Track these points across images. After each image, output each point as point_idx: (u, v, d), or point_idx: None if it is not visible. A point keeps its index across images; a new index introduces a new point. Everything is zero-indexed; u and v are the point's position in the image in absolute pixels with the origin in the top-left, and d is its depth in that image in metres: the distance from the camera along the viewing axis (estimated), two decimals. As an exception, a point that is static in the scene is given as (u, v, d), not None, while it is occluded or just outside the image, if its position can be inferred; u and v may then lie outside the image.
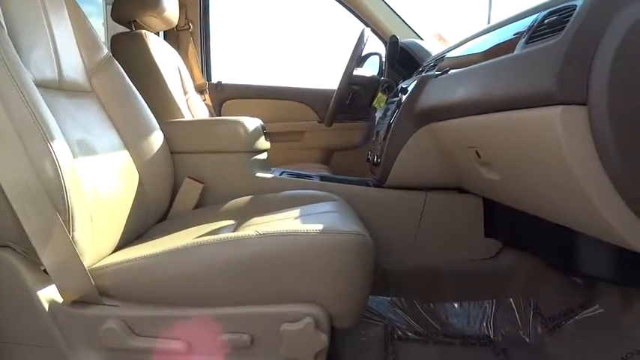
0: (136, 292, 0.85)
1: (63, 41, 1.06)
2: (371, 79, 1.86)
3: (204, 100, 2.25)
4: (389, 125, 1.35)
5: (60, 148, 0.82)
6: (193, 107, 2.00)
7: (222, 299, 0.83)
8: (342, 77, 1.74)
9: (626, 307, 1.03)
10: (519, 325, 1.23)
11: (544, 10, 0.77)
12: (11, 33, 0.89)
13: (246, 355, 0.84)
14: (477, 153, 0.98)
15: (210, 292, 0.82)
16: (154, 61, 1.68)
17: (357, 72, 1.76)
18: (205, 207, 1.32)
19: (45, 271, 0.83)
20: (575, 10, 0.65)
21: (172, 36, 2.24)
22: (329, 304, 0.82)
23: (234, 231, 1.01)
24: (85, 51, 1.14)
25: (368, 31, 1.75)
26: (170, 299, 0.84)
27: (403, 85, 1.48)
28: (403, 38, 1.90)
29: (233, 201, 1.26)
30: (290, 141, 2.27)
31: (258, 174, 1.37)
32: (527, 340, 1.19)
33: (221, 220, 1.13)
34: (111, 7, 1.75)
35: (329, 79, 2.52)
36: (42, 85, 0.93)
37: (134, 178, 1.13)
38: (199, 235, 0.96)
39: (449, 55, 1.27)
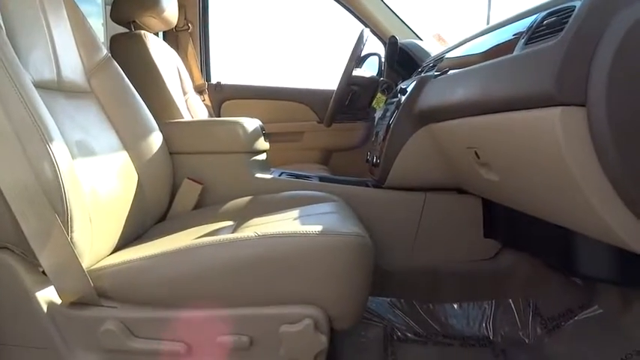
0: (135, 293, 0.84)
1: (62, 42, 1.06)
2: (370, 80, 1.86)
3: (203, 100, 2.25)
4: (388, 126, 1.35)
5: (59, 149, 0.82)
6: (192, 108, 2.00)
7: (221, 300, 0.82)
8: (342, 78, 1.74)
9: (626, 308, 1.03)
10: (519, 326, 1.23)
11: (543, 10, 0.76)
12: (10, 33, 0.89)
13: (246, 357, 0.83)
14: (476, 154, 0.98)
15: (209, 293, 0.82)
16: (153, 61, 1.68)
17: (357, 72, 1.76)
18: (204, 208, 1.32)
19: (43, 272, 0.83)
20: (574, 11, 0.65)
21: (171, 36, 2.24)
22: (328, 305, 0.82)
23: (233, 232, 1.01)
24: (84, 51, 1.14)
25: (367, 31, 1.76)
26: (169, 300, 0.83)
27: (402, 85, 1.48)
28: (402, 39, 1.90)
29: (232, 202, 1.26)
30: (289, 141, 2.27)
31: (258, 175, 1.37)
32: (527, 341, 1.19)
33: (220, 221, 1.12)
34: (110, 7, 1.75)
35: (328, 80, 2.52)
36: (41, 85, 0.93)
37: (133, 178, 1.13)
38: (198, 236, 0.95)
39: (448, 55, 1.27)
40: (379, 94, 2.00)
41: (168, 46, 1.97)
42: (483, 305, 1.31)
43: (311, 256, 0.81)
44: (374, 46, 2.10)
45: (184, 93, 1.97)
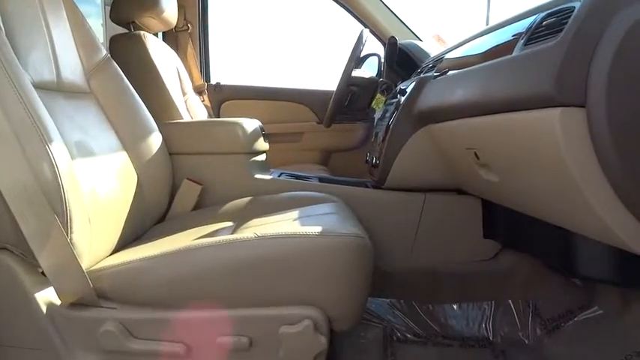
0: (134, 294, 0.84)
1: (61, 42, 1.06)
2: (370, 80, 1.86)
3: (202, 101, 2.25)
4: (388, 126, 1.35)
5: (58, 149, 0.82)
6: (192, 108, 2.00)
7: (221, 301, 0.82)
8: (341, 78, 1.74)
9: (625, 309, 1.03)
10: (518, 327, 1.23)
11: (542, 11, 0.76)
12: (9, 34, 0.89)
13: (245, 358, 0.83)
14: (475, 154, 0.98)
15: (209, 294, 0.82)
16: (152, 62, 1.68)
17: (356, 73, 1.76)
18: (204, 208, 1.32)
19: (43, 273, 0.83)
20: (573, 11, 0.65)
21: (171, 37, 2.24)
22: (328, 306, 0.82)
23: (232, 233, 1.01)
24: (83, 52, 1.14)
25: (367, 32, 1.75)
26: (168, 301, 0.83)
27: (402, 86, 1.48)
28: (402, 39, 1.90)
29: (232, 202, 1.26)
30: (289, 142, 2.27)
31: (257, 175, 1.37)
32: (527, 342, 1.19)
33: (220, 221, 1.12)
34: (109, 8, 1.75)
35: (328, 80, 2.52)
36: (40, 86, 0.93)
37: (132, 179, 1.12)
38: (198, 236, 0.95)
39: (447, 56, 1.27)
40: (379, 95, 2.00)
41: (168, 47, 1.97)
42: (483, 306, 1.31)
43: (310, 257, 0.81)
44: (373, 46, 2.10)
45: (184, 93, 1.97)
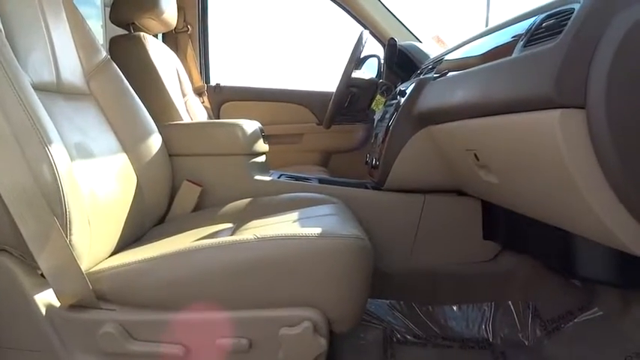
0: (134, 295, 0.84)
1: (61, 43, 1.06)
2: (369, 82, 1.86)
3: (202, 102, 2.25)
4: (387, 128, 1.35)
5: (57, 151, 0.82)
6: (192, 110, 2.00)
7: (220, 303, 0.82)
8: (341, 79, 1.74)
9: (625, 310, 1.03)
10: (518, 328, 1.23)
11: (542, 13, 0.77)
12: (8, 35, 0.89)
13: None
14: (475, 156, 0.98)
15: (208, 296, 0.82)
16: (152, 63, 1.68)
17: (356, 74, 1.76)
18: (203, 210, 1.32)
19: (42, 275, 0.83)
20: (572, 13, 0.65)
21: (171, 38, 2.24)
22: (328, 308, 0.82)
23: (232, 234, 1.01)
24: (83, 53, 1.14)
25: (366, 33, 1.76)
26: (168, 303, 0.83)
27: (401, 87, 1.48)
28: (401, 41, 1.90)
29: (231, 204, 1.26)
30: (288, 143, 2.27)
31: (257, 177, 1.37)
32: (526, 343, 1.19)
33: (219, 223, 1.12)
34: (109, 9, 1.75)
35: (327, 82, 2.52)
36: (40, 88, 0.93)
37: (132, 181, 1.12)
38: (197, 238, 0.95)
39: (447, 57, 1.27)
40: (378, 96, 2.00)
41: (168, 48, 1.97)
42: (483, 307, 1.30)
43: (310, 259, 0.81)
44: (373, 48, 2.11)
45: (183, 95, 1.97)
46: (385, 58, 1.88)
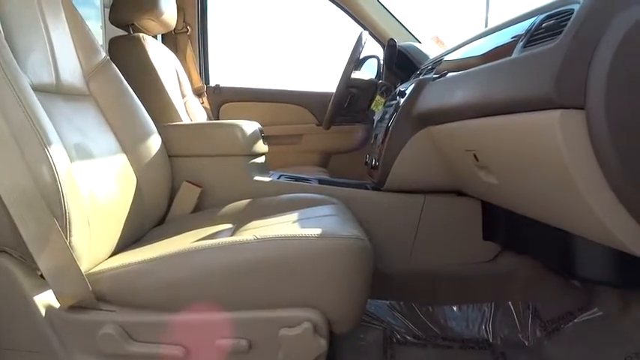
0: (134, 297, 0.84)
1: (60, 44, 1.06)
2: (369, 82, 1.86)
3: (202, 103, 2.25)
4: (387, 128, 1.35)
5: (57, 152, 0.82)
6: (191, 110, 2.00)
7: (220, 304, 0.82)
8: (340, 80, 1.74)
9: (625, 310, 1.03)
10: (518, 329, 1.22)
11: (542, 13, 0.77)
12: (7, 36, 0.89)
13: (244, 360, 0.83)
14: (475, 156, 0.98)
15: (208, 296, 0.82)
16: (151, 64, 1.68)
17: (355, 75, 1.76)
18: (203, 211, 1.32)
19: (42, 276, 0.83)
20: (572, 14, 0.65)
21: (170, 39, 2.24)
22: (328, 308, 0.82)
23: (232, 235, 1.01)
24: (82, 54, 1.14)
25: (366, 34, 1.76)
26: (168, 304, 0.83)
27: (401, 88, 1.48)
28: (401, 41, 1.90)
29: (231, 205, 1.26)
30: (288, 144, 2.27)
31: (257, 177, 1.37)
32: (526, 344, 1.19)
33: (219, 224, 1.12)
34: (109, 10, 1.75)
35: (327, 82, 2.52)
36: (39, 89, 0.93)
37: (132, 182, 1.12)
38: (197, 239, 0.95)
39: (447, 58, 1.27)
40: (378, 97, 2.00)
41: (167, 49, 1.97)
42: (483, 308, 1.30)
43: (310, 260, 0.81)
44: (373, 48, 2.10)
45: (183, 96, 1.97)
46: (385, 59, 1.88)
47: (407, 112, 1.28)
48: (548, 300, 1.21)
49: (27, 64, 0.93)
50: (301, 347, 0.80)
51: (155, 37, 1.92)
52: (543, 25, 0.73)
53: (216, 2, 2.44)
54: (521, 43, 0.77)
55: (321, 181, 1.45)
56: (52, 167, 0.79)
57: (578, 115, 0.63)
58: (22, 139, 0.79)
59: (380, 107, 2.01)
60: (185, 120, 1.79)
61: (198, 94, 2.24)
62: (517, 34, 0.81)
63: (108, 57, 1.20)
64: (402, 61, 1.83)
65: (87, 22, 1.17)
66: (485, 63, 0.88)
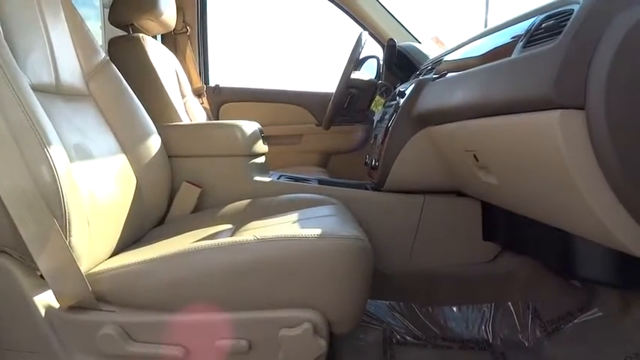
0: (133, 297, 0.84)
1: (60, 44, 1.06)
2: (369, 83, 1.86)
3: (201, 103, 2.25)
4: (387, 128, 1.35)
5: (57, 153, 0.82)
6: (191, 111, 2.00)
7: (220, 304, 0.82)
8: (340, 80, 1.74)
9: (625, 311, 1.03)
10: (518, 329, 1.22)
11: (541, 14, 0.77)
12: (7, 35, 0.89)
13: (244, 361, 0.83)
14: (474, 157, 0.98)
15: (208, 297, 0.82)
16: (151, 64, 1.68)
17: (355, 75, 1.76)
18: (203, 211, 1.32)
19: (41, 276, 0.82)
20: (572, 14, 0.65)
21: (170, 39, 2.24)
22: (328, 309, 0.82)
23: (232, 235, 1.01)
24: (82, 54, 1.14)
25: (365, 34, 1.76)
26: (167, 304, 0.83)
27: (401, 88, 1.48)
28: (400, 41, 1.90)
29: (231, 205, 1.26)
30: (288, 144, 2.27)
31: (256, 178, 1.37)
32: (526, 344, 1.19)
33: (219, 224, 1.12)
34: (108, 10, 1.75)
35: (327, 83, 2.52)
36: (38, 89, 0.93)
37: (131, 182, 1.12)
38: (197, 239, 0.95)
39: (446, 58, 1.27)
40: (378, 97, 2.00)
41: (167, 49, 1.97)
42: (483, 308, 1.30)
43: (310, 260, 0.81)
44: (372, 48, 2.10)
45: (183, 96, 1.97)
46: (384, 59, 1.88)
47: (407, 112, 1.28)
48: (548, 300, 1.21)
49: (26, 64, 0.93)
50: (301, 348, 0.80)
51: (155, 37, 1.92)
52: (543, 25, 0.73)
53: (216, 2, 2.44)
54: (521, 43, 0.77)
55: (320, 182, 1.45)
56: (51, 167, 0.79)
57: (578, 116, 0.63)
58: (22, 139, 0.79)
59: (380, 107, 2.01)
60: (185, 120, 1.79)
61: (197, 94, 2.24)
62: (517, 34, 0.81)
63: (107, 57, 1.20)
64: (401, 62, 1.83)
65: (86, 23, 1.17)
66: (484, 63, 0.88)
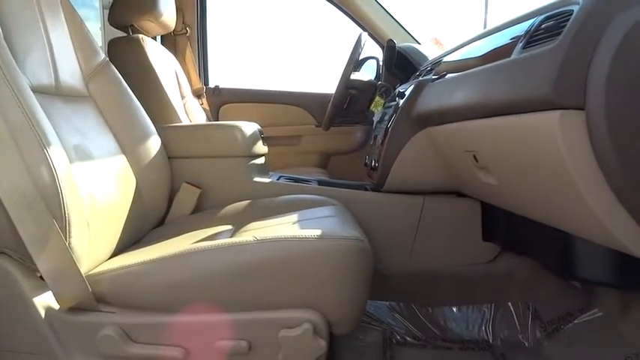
0: (133, 298, 0.84)
1: (59, 45, 1.06)
2: (368, 84, 1.86)
3: (201, 104, 2.25)
4: (386, 129, 1.35)
5: (56, 154, 0.82)
6: (191, 112, 2.00)
7: (220, 305, 0.82)
8: (340, 81, 1.74)
9: (625, 311, 1.03)
10: (518, 329, 1.22)
11: (541, 14, 0.77)
12: (6, 37, 0.89)
13: (244, 362, 0.83)
14: (474, 157, 0.98)
15: (208, 298, 0.82)
16: (151, 65, 1.68)
17: (355, 76, 1.76)
18: (203, 212, 1.32)
19: (41, 277, 0.82)
20: (572, 14, 0.65)
21: (169, 40, 2.24)
22: (327, 310, 0.82)
23: (231, 236, 1.01)
24: (81, 55, 1.14)
25: (365, 35, 1.76)
26: (167, 305, 0.83)
27: (400, 89, 1.48)
28: (400, 42, 1.90)
29: (230, 206, 1.26)
30: (288, 145, 2.27)
31: (256, 178, 1.37)
32: (526, 344, 1.19)
33: (218, 225, 1.12)
34: (108, 11, 1.75)
35: (326, 83, 2.52)
36: (38, 90, 0.93)
37: (131, 183, 1.12)
38: (197, 240, 0.95)
39: (446, 59, 1.27)
40: (377, 98, 2.00)
41: (166, 50, 1.97)
42: (482, 309, 1.30)
43: (310, 261, 0.81)
44: (372, 49, 2.11)
45: (182, 97, 1.97)
46: (384, 60, 1.88)
47: (406, 113, 1.28)
48: (548, 301, 1.21)
49: (26, 66, 0.93)
50: (301, 348, 0.80)
51: (154, 38, 1.92)
52: (543, 26, 0.73)
53: (216, 3, 2.44)
54: (521, 44, 0.77)
55: (320, 182, 1.45)
56: (51, 168, 0.79)
57: (577, 116, 0.63)
58: (22, 140, 0.79)
59: (379, 108, 2.02)
60: (184, 121, 1.79)
61: (197, 95, 2.24)
62: (516, 35, 0.81)
63: (107, 58, 1.20)
64: (401, 62, 1.83)
65: (86, 24, 1.17)
66: (484, 64, 0.88)
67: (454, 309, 1.32)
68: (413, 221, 1.31)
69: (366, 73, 1.94)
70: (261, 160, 1.46)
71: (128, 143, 1.16)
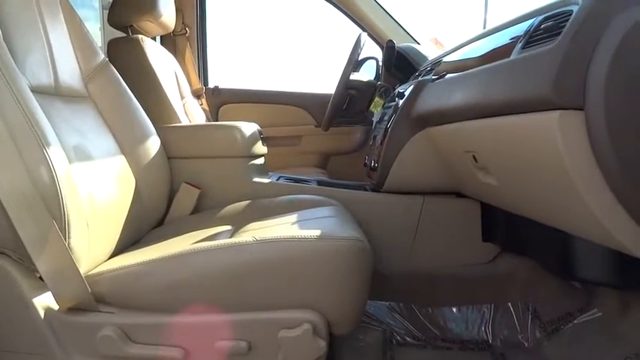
0: (133, 298, 0.84)
1: (59, 46, 1.06)
2: (368, 84, 1.86)
3: (201, 104, 2.25)
4: (386, 130, 1.35)
5: (56, 154, 0.82)
6: (190, 112, 2.00)
7: (220, 305, 0.82)
8: (339, 81, 1.74)
9: (625, 311, 1.03)
10: (518, 330, 1.22)
11: (540, 15, 0.77)
12: (6, 37, 0.89)
13: (244, 362, 0.83)
14: (474, 157, 0.98)
15: (208, 298, 0.82)
16: (150, 66, 1.68)
17: (354, 76, 1.76)
18: (202, 212, 1.32)
19: (41, 278, 0.82)
20: (571, 15, 0.65)
21: (169, 41, 2.24)
22: (327, 310, 0.82)
23: (231, 237, 1.01)
24: (81, 56, 1.13)
25: (364, 35, 1.76)
26: (167, 306, 0.83)
27: (400, 89, 1.49)
28: (400, 42, 1.90)
29: (230, 206, 1.26)
30: (287, 145, 2.27)
31: (256, 179, 1.37)
32: (526, 345, 1.19)
33: (218, 225, 1.12)
34: (107, 11, 1.75)
35: (326, 84, 2.52)
36: (38, 90, 0.93)
37: (130, 183, 1.12)
38: (196, 240, 0.95)
39: (445, 59, 1.27)
40: (377, 98, 2.01)
41: (166, 51, 1.97)
42: (482, 309, 1.30)
43: (309, 261, 0.81)
44: (371, 50, 2.11)
45: (182, 97, 1.97)
46: (383, 60, 1.88)
47: (406, 113, 1.28)
48: (547, 301, 1.21)
49: (25, 66, 0.93)
50: (301, 348, 0.80)
51: (154, 38, 1.92)
52: (542, 26, 0.73)
53: (215, 4, 2.44)
54: (520, 44, 0.77)
55: (320, 183, 1.45)
56: (50, 169, 0.79)
57: (577, 116, 0.63)
58: (21, 140, 0.79)
59: (379, 109, 2.02)
60: (184, 121, 1.79)
61: (197, 95, 2.24)
62: (516, 35, 0.81)
63: (106, 59, 1.20)
64: (400, 63, 1.83)
65: (85, 24, 1.17)
66: (484, 64, 0.88)
67: (454, 309, 1.32)
68: (412, 221, 1.31)
69: (366, 74, 1.94)
70: (260, 161, 1.46)
71: (127, 143, 1.16)
